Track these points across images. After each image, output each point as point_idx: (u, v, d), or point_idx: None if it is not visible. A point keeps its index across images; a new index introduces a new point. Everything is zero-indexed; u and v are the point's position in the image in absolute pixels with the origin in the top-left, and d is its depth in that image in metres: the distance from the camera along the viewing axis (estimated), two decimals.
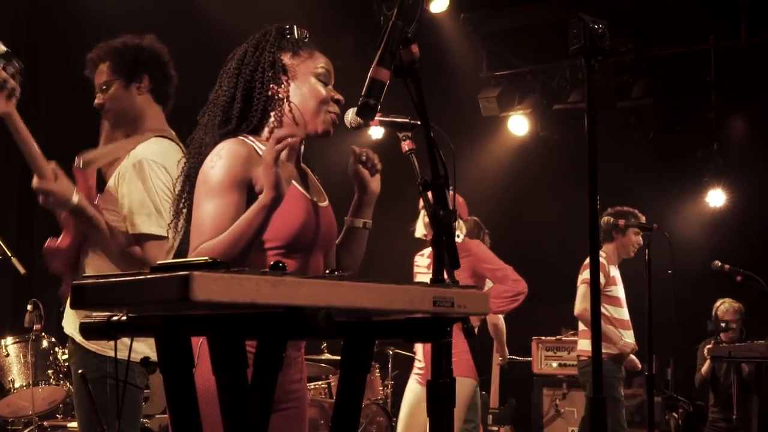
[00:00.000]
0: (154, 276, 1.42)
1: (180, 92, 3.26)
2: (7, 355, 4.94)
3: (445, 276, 1.97)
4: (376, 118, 2.42)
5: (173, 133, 3.17)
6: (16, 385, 4.82)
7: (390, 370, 7.20)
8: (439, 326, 1.81)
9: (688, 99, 8.24)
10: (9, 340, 4.99)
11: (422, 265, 5.05)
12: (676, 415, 7.37)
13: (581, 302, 5.80)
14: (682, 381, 8.00)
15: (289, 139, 2.10)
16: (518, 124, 8.87)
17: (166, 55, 3.20)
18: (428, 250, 4.70)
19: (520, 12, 8.19)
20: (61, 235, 3.09)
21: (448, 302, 1.71)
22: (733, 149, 8.27)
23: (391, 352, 7.22)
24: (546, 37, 7.74)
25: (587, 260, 5.71)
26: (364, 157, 2.44)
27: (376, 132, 8.20)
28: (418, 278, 4.90)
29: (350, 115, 2.29)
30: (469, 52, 8.57)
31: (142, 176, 2.92)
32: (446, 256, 1.99)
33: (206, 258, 1.45)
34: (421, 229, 4.80)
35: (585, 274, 5.82)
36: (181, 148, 3.09)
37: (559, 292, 6.52)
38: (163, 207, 2.88)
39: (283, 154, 2.10)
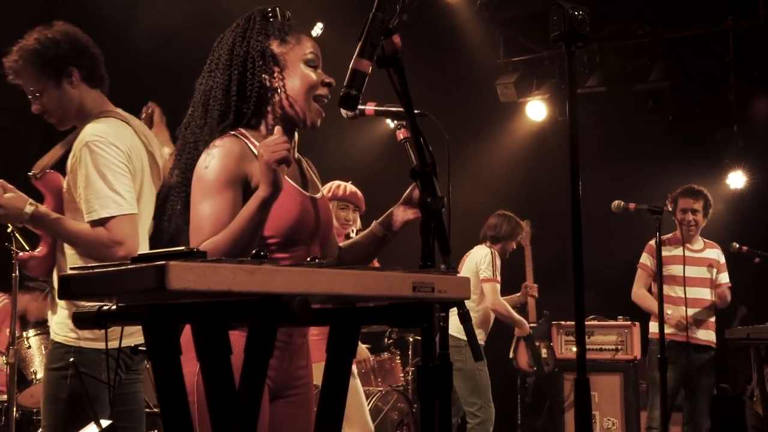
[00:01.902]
0: (133, 266, 1.46)
1: (185, 85, 3.23)
2: (29, 347, 5.05)
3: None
4: (371, 107, 2.45)
5: (119, 110, 3.09)
6: (38, 376, 4.91)
7: (410, 357, 7.23)
8: (422, 311, 1.83)
9: (707, 81, 8.15)
10: (31, 332, 5.12)
11: None
12: None
13: (634, 285, 6.07)
14: None
15: (288, 145, 2.13)
16: (536, 110, 8.86)
17: (83, 36, 3.04)
18: None
19: None
20: (40, 245, 3.06)
21: (428, 287, 1.73)
22: (754, 130, 8.18)
23: (411, 339, 7.25)
24: None
25: (648, 244, 5.81)
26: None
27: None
28: None
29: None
30: (486, 38, 8.57)
31: (91, 159, 2.83)
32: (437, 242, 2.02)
33: (184, 248, 1.49)
34: None
35: (641, 258, 6.09)
36: (128, 123, 3.03)
37: None
38: (119, 182, 2.84)
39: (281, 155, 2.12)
